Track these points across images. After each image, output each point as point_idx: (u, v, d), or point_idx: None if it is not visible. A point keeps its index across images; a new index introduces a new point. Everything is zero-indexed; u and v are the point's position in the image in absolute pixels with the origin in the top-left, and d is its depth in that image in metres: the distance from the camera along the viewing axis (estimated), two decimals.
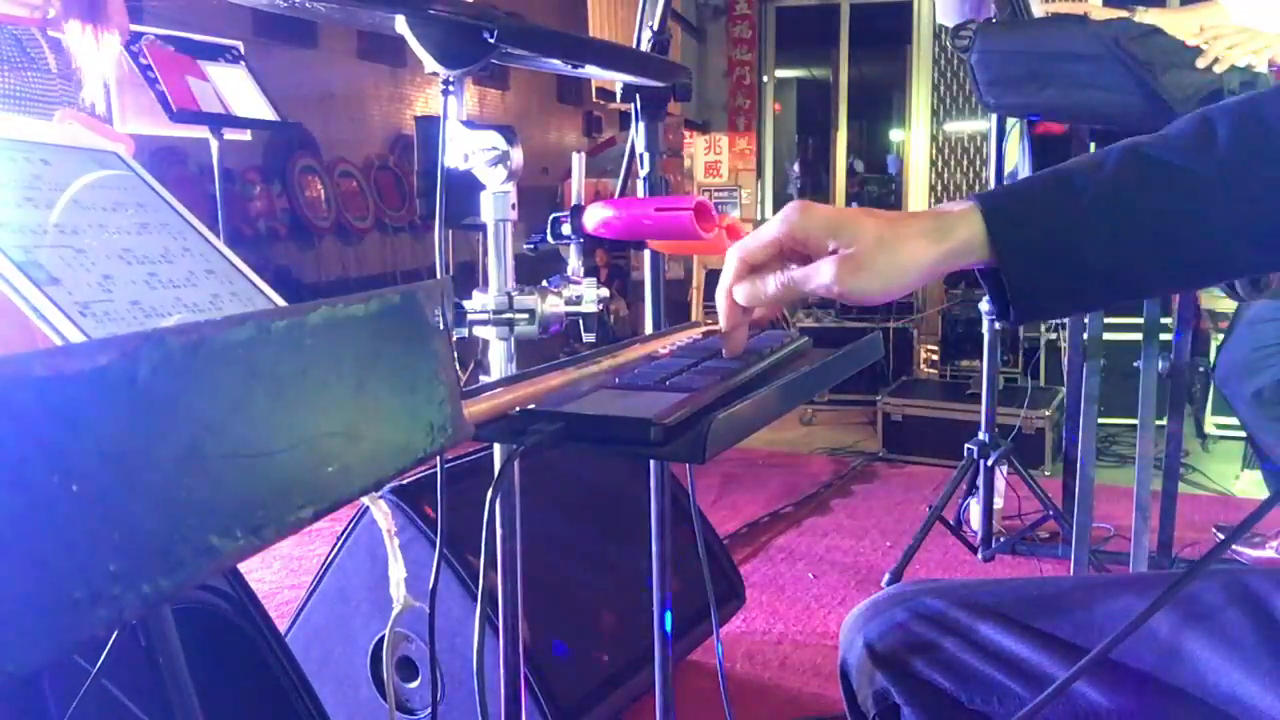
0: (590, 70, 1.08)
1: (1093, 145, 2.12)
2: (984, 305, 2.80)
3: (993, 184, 2.72)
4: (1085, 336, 2.08)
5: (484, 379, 0.85)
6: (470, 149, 0.90)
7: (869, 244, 0.70)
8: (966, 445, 2.85)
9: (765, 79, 7.05)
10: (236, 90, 3.04)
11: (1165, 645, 0.79)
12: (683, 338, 0.99)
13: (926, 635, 0.86)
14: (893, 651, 0.87)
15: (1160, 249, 0.69)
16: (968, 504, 3.04)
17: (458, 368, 0.53)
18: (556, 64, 1.01)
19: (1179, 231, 0.69)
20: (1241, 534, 0.69)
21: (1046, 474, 3.67)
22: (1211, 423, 4.17)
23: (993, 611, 0.85)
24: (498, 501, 0.97)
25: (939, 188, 6.66)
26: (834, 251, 0.71)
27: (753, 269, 0.75)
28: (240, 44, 3.19)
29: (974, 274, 0.75)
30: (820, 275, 0.71)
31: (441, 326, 0.51)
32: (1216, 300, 3.95)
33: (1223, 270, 0.74)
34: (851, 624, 0.92)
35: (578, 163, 1.07)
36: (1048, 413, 3.76)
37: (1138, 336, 2.08)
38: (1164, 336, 2.47)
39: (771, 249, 0.73)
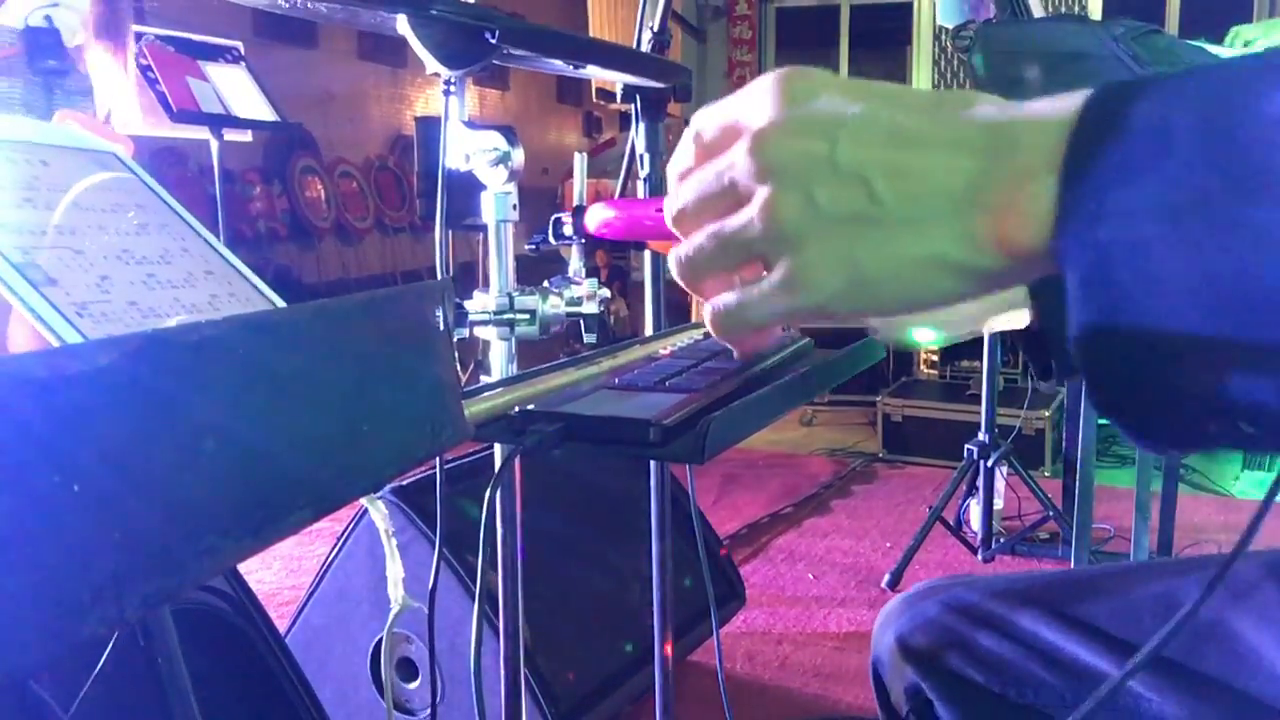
0: (591, 71, 1.08)
1: None
2: None
3: None
4: None
5: (484, 379, 0.85)
6: (471, 149, 0.90)
7: None
8: (966, 446, 2.85)
9: None
10: (236, 90, 3.04)
11: (1204, 625, 0.78)
12: (683, 338, 0.99)
13: (958, 628, 0.85)
14: (924, 646, 0.86)
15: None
16: (968, 504, 3.04)
17: (458, 368, 0.53)
18: (557, 64, 1.01)
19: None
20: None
21: (1046, 474, 3.67)
22: None
23: (1026, 601, 0.85)
24: (497, 501, 0.97)
25: None
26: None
27: None
28: (240, 44, 3.19)
29: None
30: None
31: (442, 327, 0.51)
32: None
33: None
34: (883, 621, 0.91)
35: (580, 163, 1.07)
36: (1048, 413, 3.76)
37: None
38: None
39: None
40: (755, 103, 0.44)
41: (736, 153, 0.44)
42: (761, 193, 0.42)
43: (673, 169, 0.51)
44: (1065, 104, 0.38)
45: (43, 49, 1.62)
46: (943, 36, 6.31)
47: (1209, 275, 0.33)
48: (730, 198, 0.45)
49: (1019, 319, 0.73)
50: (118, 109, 1.68)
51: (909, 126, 0.41)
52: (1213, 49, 1.95)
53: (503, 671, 1.04)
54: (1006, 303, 0.66)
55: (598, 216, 1.03)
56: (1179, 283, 0.34)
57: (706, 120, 0.48)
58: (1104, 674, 0.78)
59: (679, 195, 0.48)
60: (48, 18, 1.63)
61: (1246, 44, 1.91)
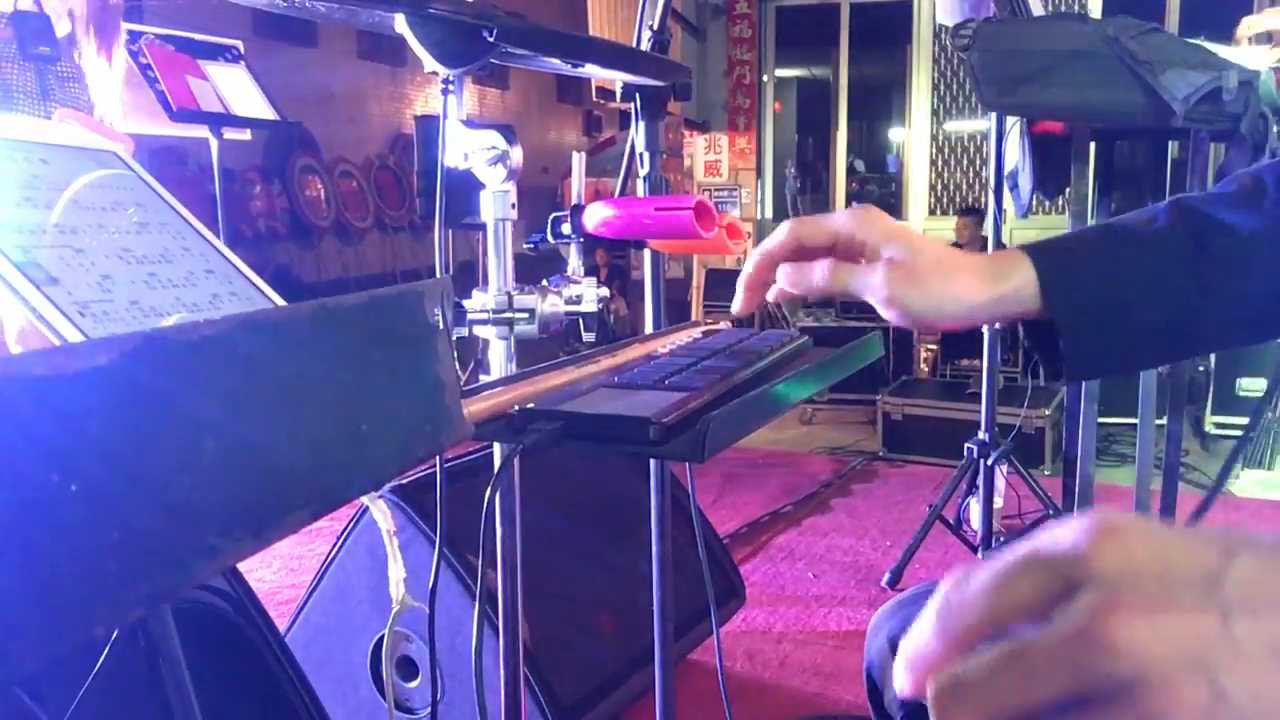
0: (590, 70, 1.08)
1: (1093, 145, 2.12)
2: None
3: (993, 183, 2.72)
4: None
5: (484, 378, 0.85)
6: (470, 148, 0.90)
7: (926, 262, 0.69)
8: (966, 445, 2.85)
9: (765, 78, 7.05)
10: (236, 90, 3.04)
11: None
12: (682, 337, 0.99)
13: None
14: None
15: (1212, 302, 0.69)
16: (968, 503, 3.04)
17: (457, 367, 0.53)
18: (556, 63, 1.01)
19: (1230, 285, 0.69)
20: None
21: (1046, 474, 3.67)
22: (1211, 422, 4.17)
23: None
24: (497, 501, 0.97)
25: (939, 188, 6.66)
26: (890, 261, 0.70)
27: (800, 249, 0.73)
28: (240, 44, 3.19)
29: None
30: (872, 275, 0.69)
31: (441, 326, 0.51)
32: None
33: (1276, 325, 0.74)
34: (875, 625, 0.91)
35: (578, 162, 1.07)
36: (1048, 412, 3.76)
37: None
38: None
39: (829, 237, 0.72)
40: (1079, 567, 0.34)
41: (1076, 641, 0.33)
42: (1144, 694, 0.32)
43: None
44: None
45: (34, 34, 1.56)
46: (942, 35, 6.31)
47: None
48: (1062, 689, 0.33)
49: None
50: (104, 107, 1.65)
51: None
52: (1213, 47, 1.95)
53: (503, 671, 1.04)
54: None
55: (596, 215, 1.03)
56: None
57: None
58: None
59: (958, 679, 0.35)
60: (37, 1, 1.58)
61: None
